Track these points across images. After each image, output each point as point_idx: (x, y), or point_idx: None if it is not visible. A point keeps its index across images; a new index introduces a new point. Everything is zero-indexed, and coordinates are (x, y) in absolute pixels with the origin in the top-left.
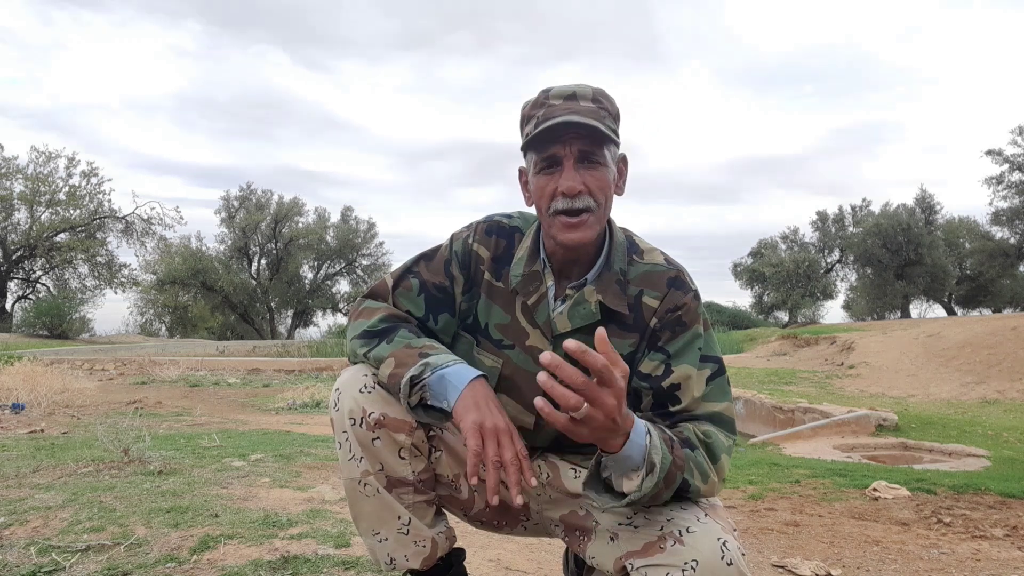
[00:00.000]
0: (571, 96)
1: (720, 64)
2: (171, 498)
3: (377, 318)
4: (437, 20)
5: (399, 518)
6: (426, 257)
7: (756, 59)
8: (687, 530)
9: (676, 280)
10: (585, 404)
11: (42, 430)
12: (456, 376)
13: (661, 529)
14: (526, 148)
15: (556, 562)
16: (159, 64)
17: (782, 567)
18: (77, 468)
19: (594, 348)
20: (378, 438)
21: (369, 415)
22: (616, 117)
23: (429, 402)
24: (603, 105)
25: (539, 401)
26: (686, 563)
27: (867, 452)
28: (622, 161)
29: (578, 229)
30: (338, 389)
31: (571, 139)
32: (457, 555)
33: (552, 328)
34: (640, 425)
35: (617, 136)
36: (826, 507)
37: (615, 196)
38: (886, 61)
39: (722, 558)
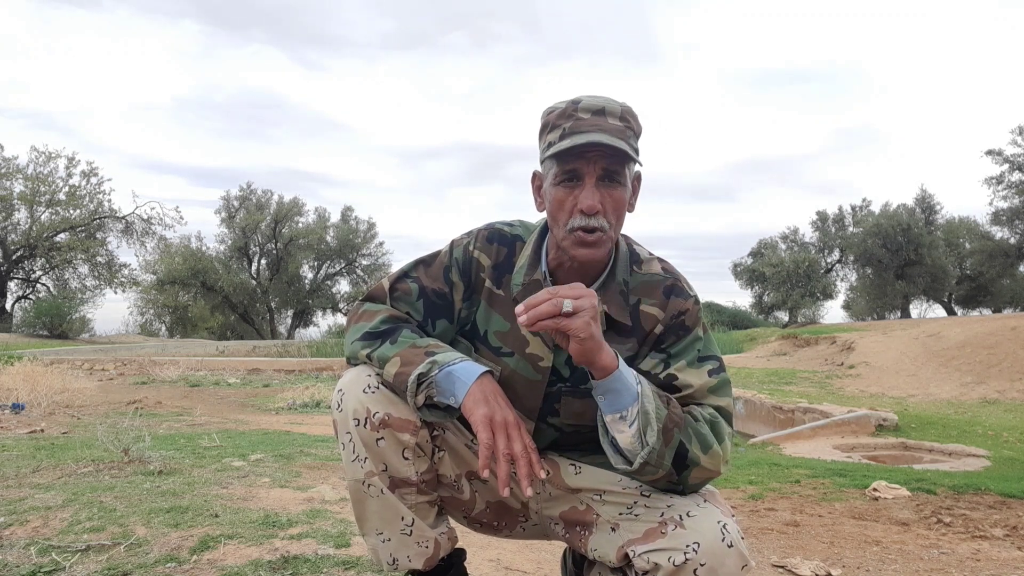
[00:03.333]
0: (600, 111)
1: (718, 65)
2: (171, 498)
3: (379, 319)
4: (433, 20)
5: (402, 519)
6: (425, 263)
7: (754, 61)
8: (687, 514)
9: (673, 288)
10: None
11: (42, 430)
12: (464, 372)
13: (661, 515)
14: (548, 157)
15: (556, 562)
16: (157, 64)
17: (782, 567)
18: (77, 468)
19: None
20: (382, 438)
21: (373, 415)
22: (639, 136)
23: (436, 399)
24: (629, 124)
25: (520, 308)
26: (688, 546)
27: (867, 452)
28: (636, 179)
29: (591, 247)
30: (341, 390)
31: (596, 157)
32: (457, 555)
33: (555, 337)
34: (630, 371)
35: (638, 156)
36: (826, 507)
37: (626, 213)
38: (885, 62)
39: (723, 540)
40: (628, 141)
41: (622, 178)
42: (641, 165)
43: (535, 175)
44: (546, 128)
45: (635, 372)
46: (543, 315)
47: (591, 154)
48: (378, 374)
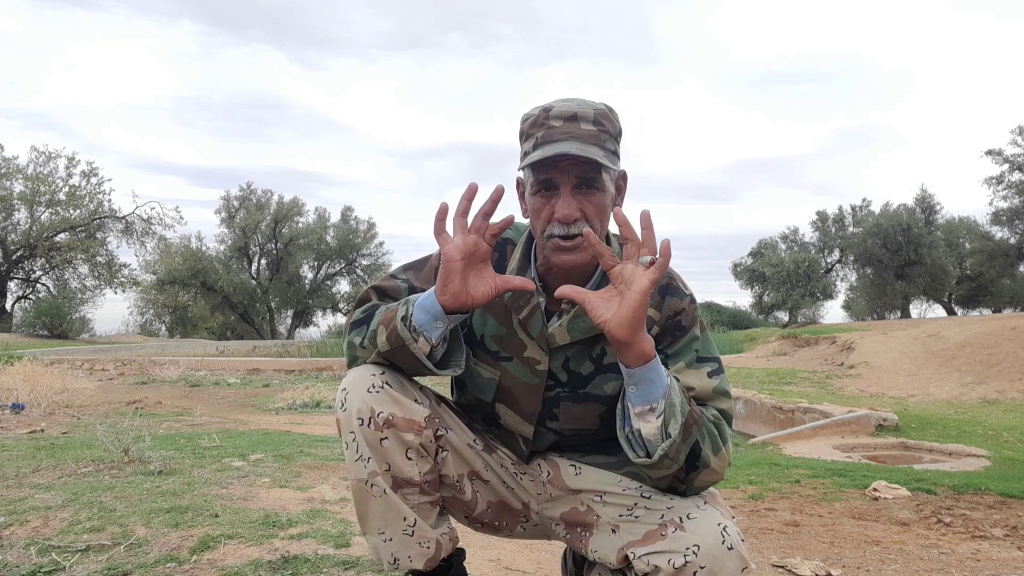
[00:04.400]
0: (572, 118)
1: (717, 65)
2: (171, 498)
3: (360, 310)
4: (431, 21)
5: (404, 519)
6: (414, 267)
7: (753, 60)
8: (687, 516)
9: (668, 287)
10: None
11: (42, 430)
12: (427, 297)
13: (662, 517)
14: (523, 167)
15: (556, 562)
16: (157, 64)
17: (782, 567)
18: (77, 468)
19: (588, 360)
20: (386, 438)
21: (378, 415)
22: (617, 137)
23: (435, 335)
24: (604, 127)
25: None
26: (687, 548)
27: (867, 452)
28: (621, 178)
29: (572, 252)
30: (345, 389)
31: (568, 166)
32: (458, 555)
33: (549, 340)
34: (661, 366)
35: (617, 158)
36: (826, 507)
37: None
38: (885, 62)
39: (723, 543)
40: (603, 145)
41: (599, 183)
42: (615, 169)
43: (519, 182)
44: (522, 136)
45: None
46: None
47: (564, 163)
48: (382, 372)
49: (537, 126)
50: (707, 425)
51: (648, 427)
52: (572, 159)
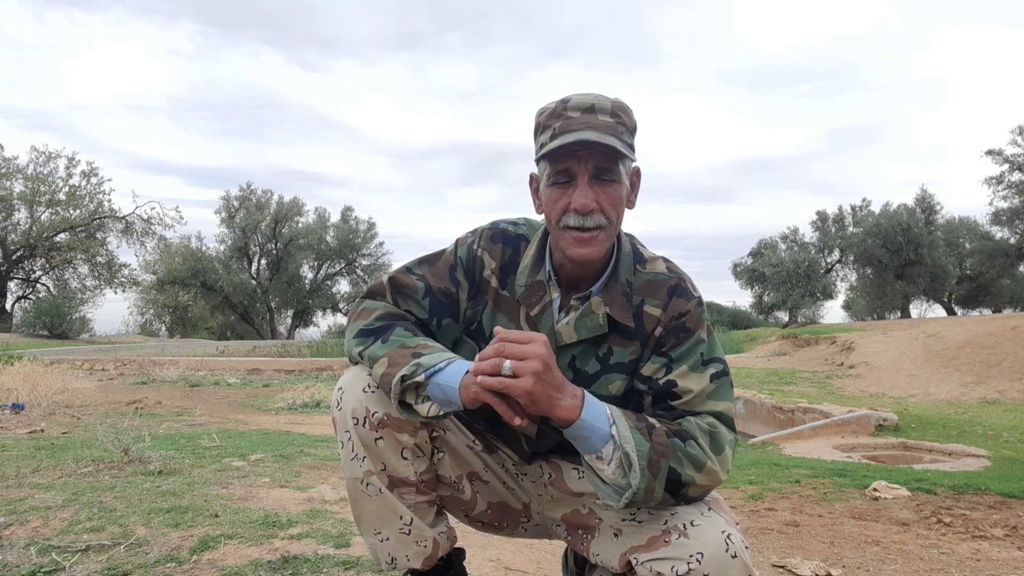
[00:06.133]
0: (589, 109)
1: (715, 64)
2: (171, 498)
3: (374, 316)
4: (429, 21)
5: (401, 518)
6: (429, 261)
7: (751, 59)
8: (691, 523)
9: (677, 288)
10: (508, 361)
11: (42, 430)
12: (451, 376)
13: (665, 523)
14: (540, 158)
15: (556, 562)
16: (154, 64)
17: (782, 567)
18: (77, 468)
19: (595, 359)
20: (381, 438)
21: (372, 415)
22: (633, 131)
23: (442, 412)
24: (621, 120)
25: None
26: (691, 556)
27: (867, 452)
28: (635, 174)
29: (588, 245)
30: (341, 388)
31: (587, 155)
32: (457, 555)
33: (557, 339)
34: (600, 409)
35: (633, 151)
36: (826, 507)
37: (626, 209)
38: (884, 61)
39: (727, 550)
40: (620, 137)
41: (616, 175)
42: (635, 161)
43: (532, 177)
44: (538, 129)
45: (608, 410)
46: (484, 370)
47: (582, 152)
48: (370, 374)
49: (555, 117)
50: (681, 448)
51: (604, 472)
52: (592, 146)
